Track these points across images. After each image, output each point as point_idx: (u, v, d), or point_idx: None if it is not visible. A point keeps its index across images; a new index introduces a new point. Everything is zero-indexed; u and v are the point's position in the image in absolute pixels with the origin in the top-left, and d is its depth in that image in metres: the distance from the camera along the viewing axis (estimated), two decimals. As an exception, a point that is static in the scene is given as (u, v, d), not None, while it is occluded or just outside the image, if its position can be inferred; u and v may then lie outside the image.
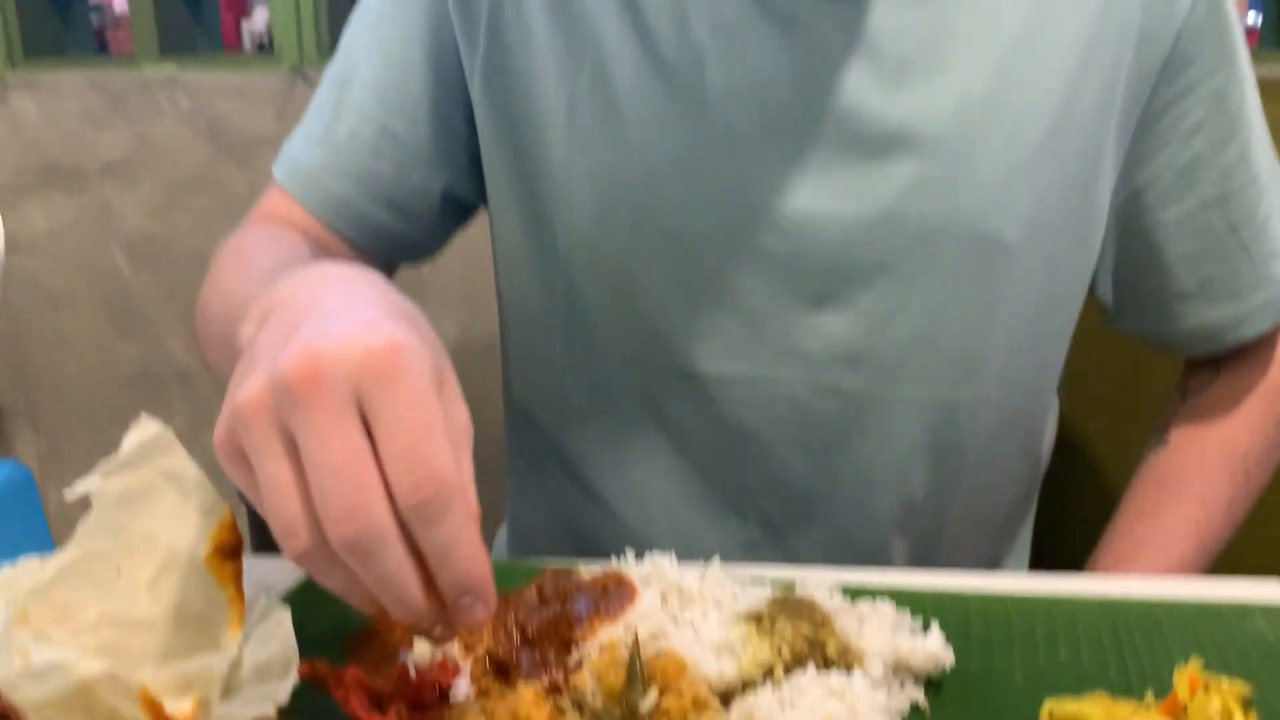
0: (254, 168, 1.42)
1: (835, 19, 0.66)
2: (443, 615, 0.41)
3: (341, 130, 0.74)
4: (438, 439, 0.39)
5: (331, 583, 0.41)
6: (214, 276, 0.71)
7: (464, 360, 1.44)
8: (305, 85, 1.37)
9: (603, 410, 0.77)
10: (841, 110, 0.66)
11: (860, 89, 0.66)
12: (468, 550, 0.39)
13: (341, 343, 0.39)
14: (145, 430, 0.52)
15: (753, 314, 0.70)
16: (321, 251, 0.71)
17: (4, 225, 1.48)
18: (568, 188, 0.72)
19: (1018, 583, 0.61)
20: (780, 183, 0.68)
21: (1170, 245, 0.73)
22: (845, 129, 0.66)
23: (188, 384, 1.53)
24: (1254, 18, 1.52)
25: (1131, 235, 0.74)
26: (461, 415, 0.42)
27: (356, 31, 0.77)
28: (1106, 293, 0.77)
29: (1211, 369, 0.80)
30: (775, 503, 0.74)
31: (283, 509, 0.40)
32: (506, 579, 0.50)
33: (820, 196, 0.68)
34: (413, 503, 0.38)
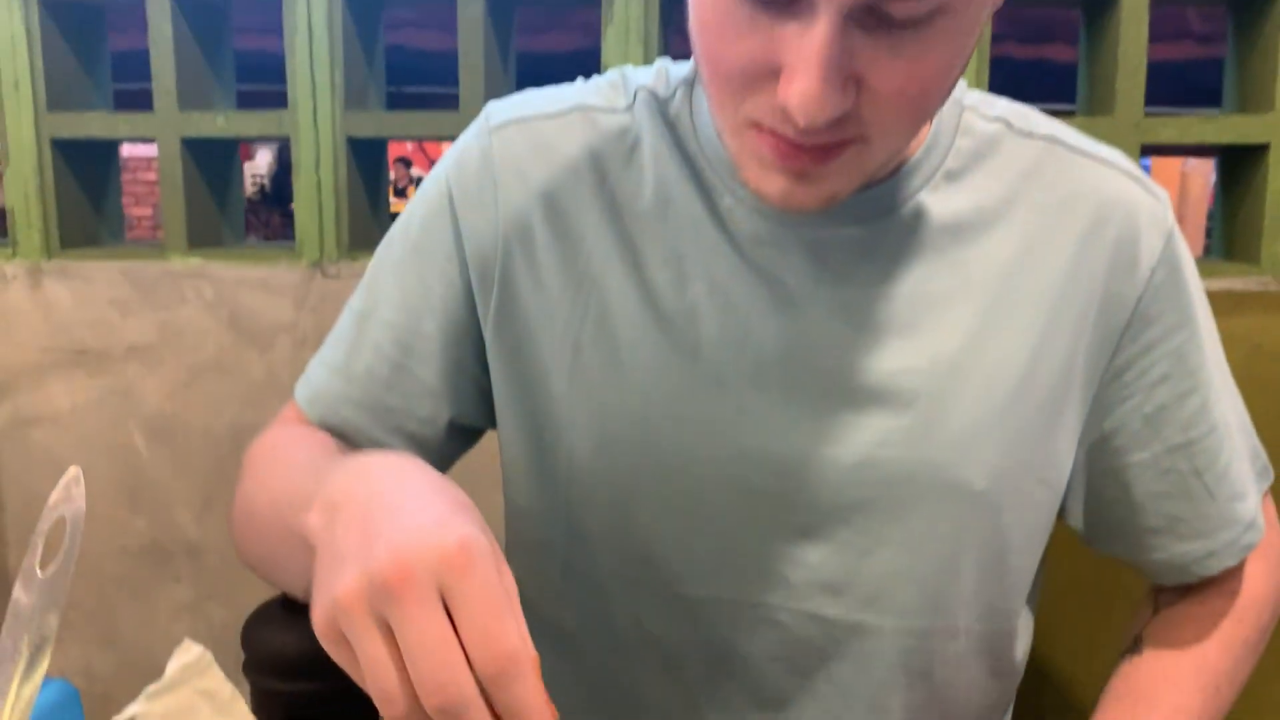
0: (271, 353, 1.50)
1: (823, 294, 0.74)
2: None
3: (359, 365, 0.81)
4: (506, 618, 0.48)
5: None
6: (253, 475, 0.78)
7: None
8: (323, 279, 1.47)
9: (595, 626, 0.82)
10: (824, 366, 0.74)
11: (842, 349, 0.74)
12: (536, 708, 0.48)
13: (422, 544, 0.49)
14: (188, 654, 0.59)
15: (740, 544, 0.77)
16: (330, 446, 0.79)
17: (28, 403, 1.56)
18: (570, 422, 0.79)
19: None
20: (766, 426, 0.75)
21: (1139, 485, 0.79)
22: (827, 382, 0.74)
23: (195, 556, 1.58)
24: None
25: (1103, 475, 0.80)
26: (510, 581, 0.51)
27: (378, 271, 0.84)
28: (1078, 521, 0.83)
29: (1182, 586, 0.85)
30: (757, 716, 0.79)
31: (383, 682, 0.48)
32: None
33: (803, 441, 0.75)
34: (490, 673, 0.47)
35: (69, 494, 0.57)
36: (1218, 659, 0.82)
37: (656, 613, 0.80)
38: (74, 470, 0.58)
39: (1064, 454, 0.78)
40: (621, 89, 0.81)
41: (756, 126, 0.63)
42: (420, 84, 2.82)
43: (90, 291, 1.51)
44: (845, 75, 0.58)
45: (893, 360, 0.73)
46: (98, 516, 1.57)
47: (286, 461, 0.74)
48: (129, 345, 1.52)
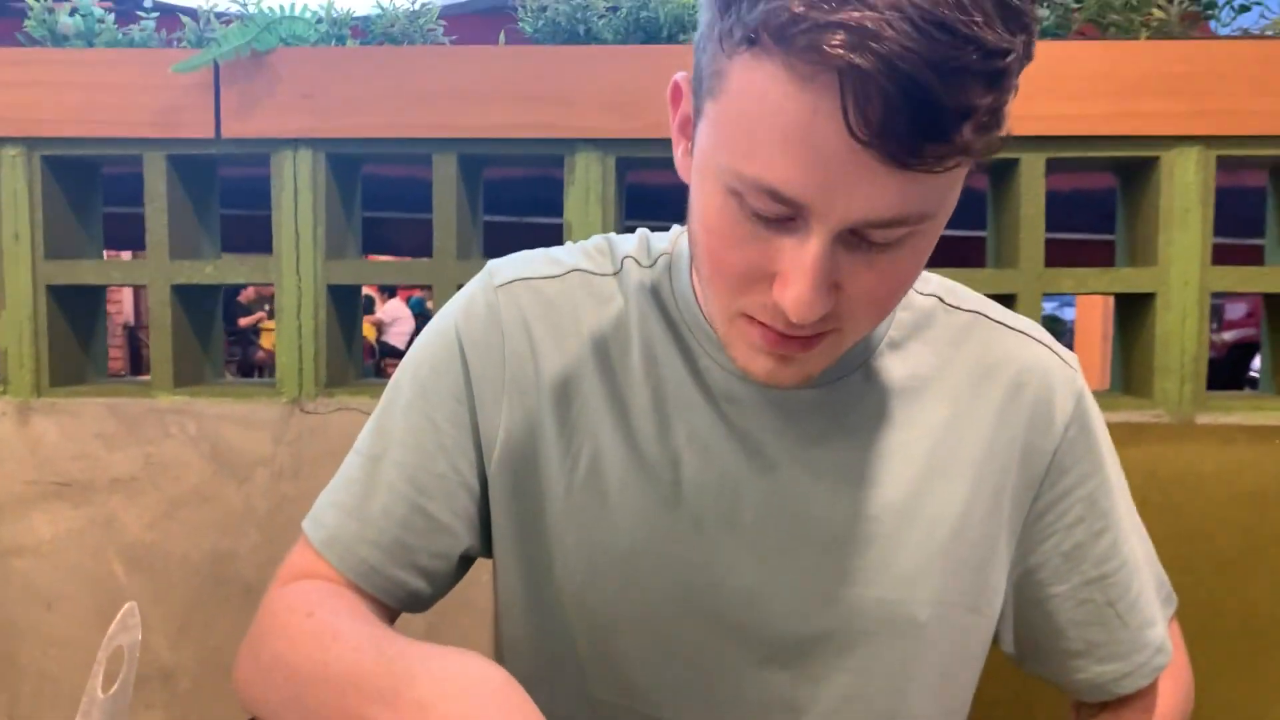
0: (249, 484, 1.59)
1: (788, 448, 0.85)
2: None
3: (375, 506, 0.86)
4: None
5: None
6: (286, 636, 0.82)
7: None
8: (301, 414, 1.57)
9: None
10: (790, 512, 0.84)
11: (806, 498, 0.84)
12: None
13: None
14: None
15: (712, 672, 0.86)
16: (365, 615, 0.85)
17: (10, 533, 1.62)
18: (563, 558, 0.87)
19: None
20: (739, 567, 0.85)
21: (1061, 614, 0.89)
22: (794, 527, 0.84)
23: (168, 682, 1.63)
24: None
25: (1029, 605, 0.90)
26: None
27: (388, 415, 0.89)
28: (1009, 646, 0.93)
29: (1101, 703, 0.95)
30: None
31: None
32: None
33: (772, 580, 0.85)
34: None
35: (125, 624, 0.67)
36: None
37: None
38: (130, 604, 0.68)
39: (996, 588, 0.89)
40: (609, 255, 0.91)
41: (748, 318, 0.73)
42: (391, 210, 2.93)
43: (77, 426, 1.60)
44: (830, 283, 0.68)
45: (850, 508, 0.84)
46: (74, 643, 1.63)
47: (334, 633, 0.78)
48: (112, 477, 1.60)
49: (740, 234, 0.70)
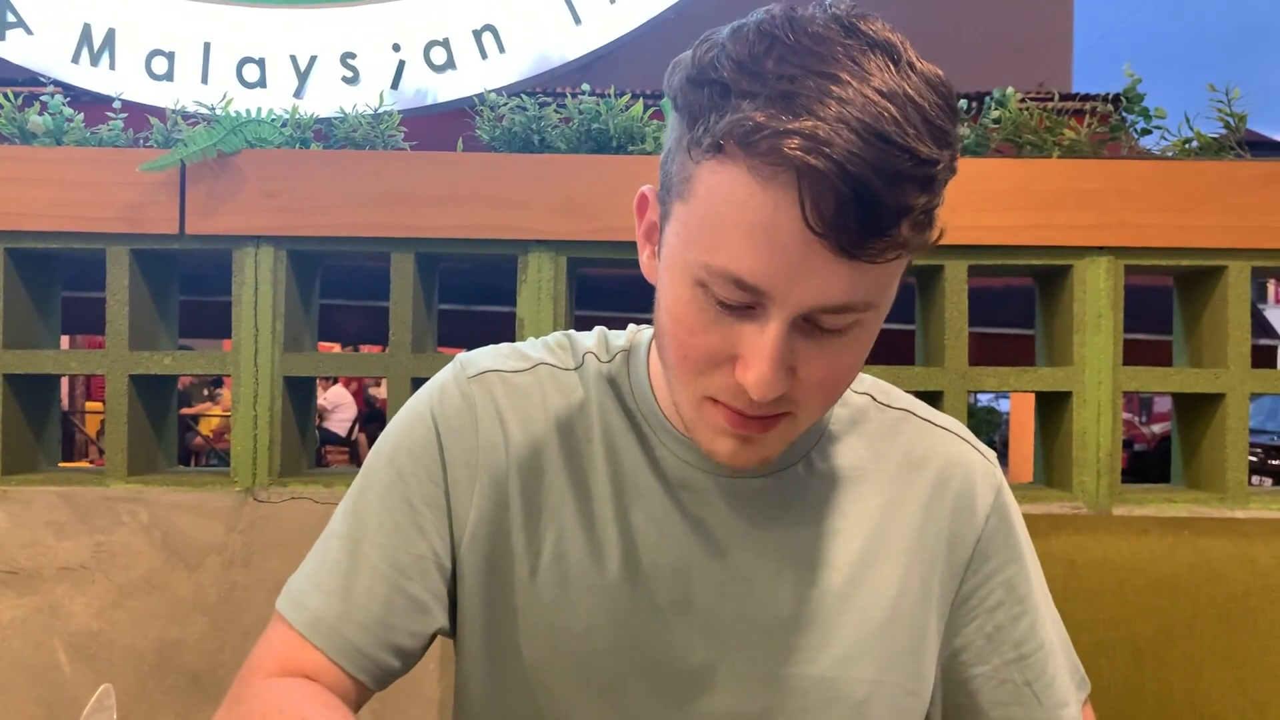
0: (199, 572, 1.61)
1: (737, 533, 0.91)
2: None
3: (358, 587, 0.89)
4: None
5: None
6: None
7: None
8: (255, 503, 1.60)
9: None
10: (738, 594, 0.90)
11: (753, 580, 0.89)
12: None
13: None
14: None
15: (689, 700, 0.91)
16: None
17: (-46, 621, 1.61)
18: (525, 636, 0.91)
19: None
20: (692, 646, 0.90)
21: (982, 694, 0.95)
22: (740, 607, 0.89)
23: (109, 773, 1.62)
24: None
25: (954, 686, 0.96)
26: None
27: (364, 498, 0.93)
28: None
29: None
30: None
31: None
32: None
33: (720, 656, 0.90)
34: None
35: (102, 704, 0.70)
36: None
37: None
38: (105, 686, 0.71)
39: (928, 670, 0.94)
40: (570, 351, 0.97)
41: (712, 401, 0.80)
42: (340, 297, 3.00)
43: (27, 514, 1.61)
44: (787, 366, 0.76)
45: (793, 590, 0.90)
46: (14, 735, 1.61)
47: None
48: (61, 565, 1.61)
49: (705, 321, 0.77)
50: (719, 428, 0.81)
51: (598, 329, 1.00)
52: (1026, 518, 1.42)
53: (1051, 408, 1.66)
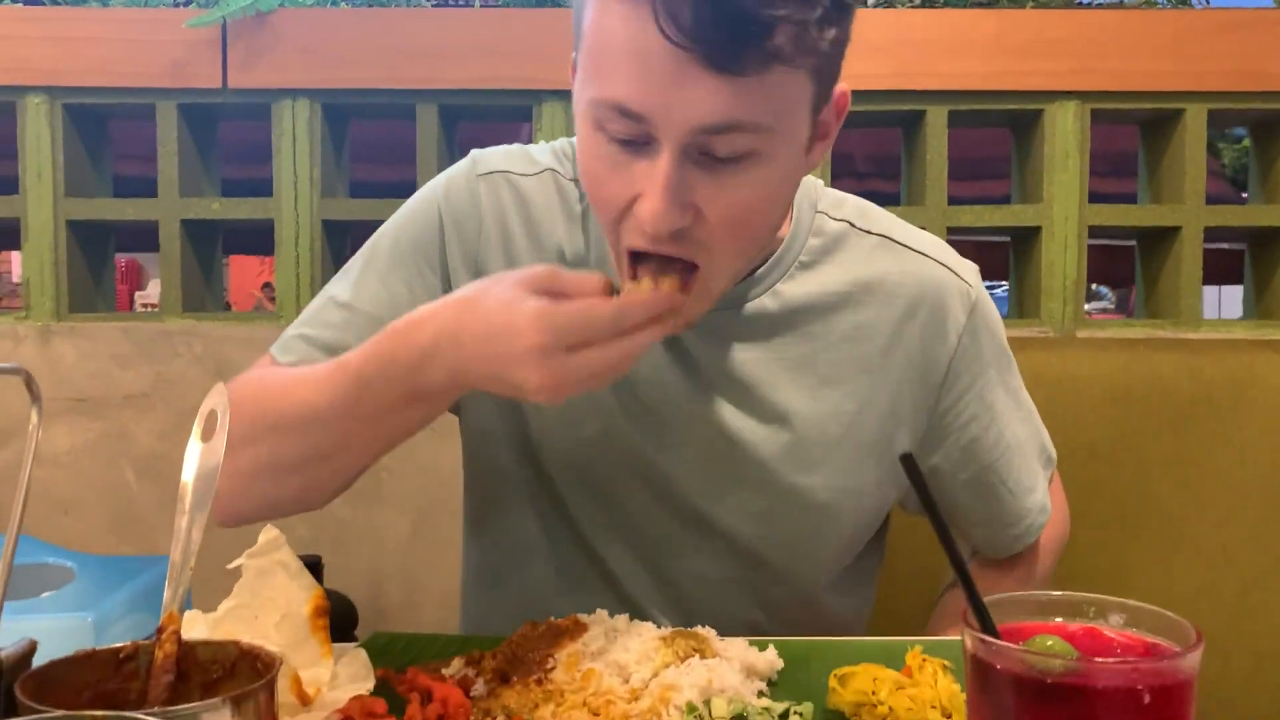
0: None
1: (715, 356, 1.00)
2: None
3: (344, 347, 0.92)
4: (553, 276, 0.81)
5: (637, 344, 0.79)
6: (271, 394, 0.93)
7: (417, 553, 1.82)
8: (299, 335, 1.76)
9: (560, 567, 1.06)
10: (712, 410, 1.00)
11: (725, 399, 1.00)
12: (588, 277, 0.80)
13: (503, 301, 0.79)
14: (269, 533, 0.89)
15: (658, 542, 1.04)
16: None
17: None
18: (535, 444, 1.02)
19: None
20: (669, 452, 1.01)
21: (961, 496, 1.07)
22: (714, 422, 1.00)
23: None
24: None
25: (938, 491, 1.02)
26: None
27: (365, 269, 1.01)
28: (907, 505, 1.11)
29: None
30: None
31: (601, 368, 0.79)
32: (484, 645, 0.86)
33: (698, 465, 1.02)
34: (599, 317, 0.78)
35: (217, 392, 0.87)
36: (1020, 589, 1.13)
37: (605, 544, 1.05)
38: (219, 384, 0.88)
39: (891, 476, 1.04)
40: (570, 160, 1.03)
41: (628, 252, 0.85)
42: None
43: (93, 348, 1.78)
44: (684, 201, 0.80)
45: (759, 408, 1.00)
46: (91, 546, 1.80)
47: (299, 377, 0.91)
48: (125, 394, 1.78)
49: (608, 165, 0.82)
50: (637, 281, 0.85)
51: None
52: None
53: (1023, 244, 1.81)
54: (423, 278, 1.00)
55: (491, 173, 1.01)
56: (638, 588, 1.06)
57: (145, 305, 9.91)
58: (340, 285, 1.02)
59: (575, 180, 1.01)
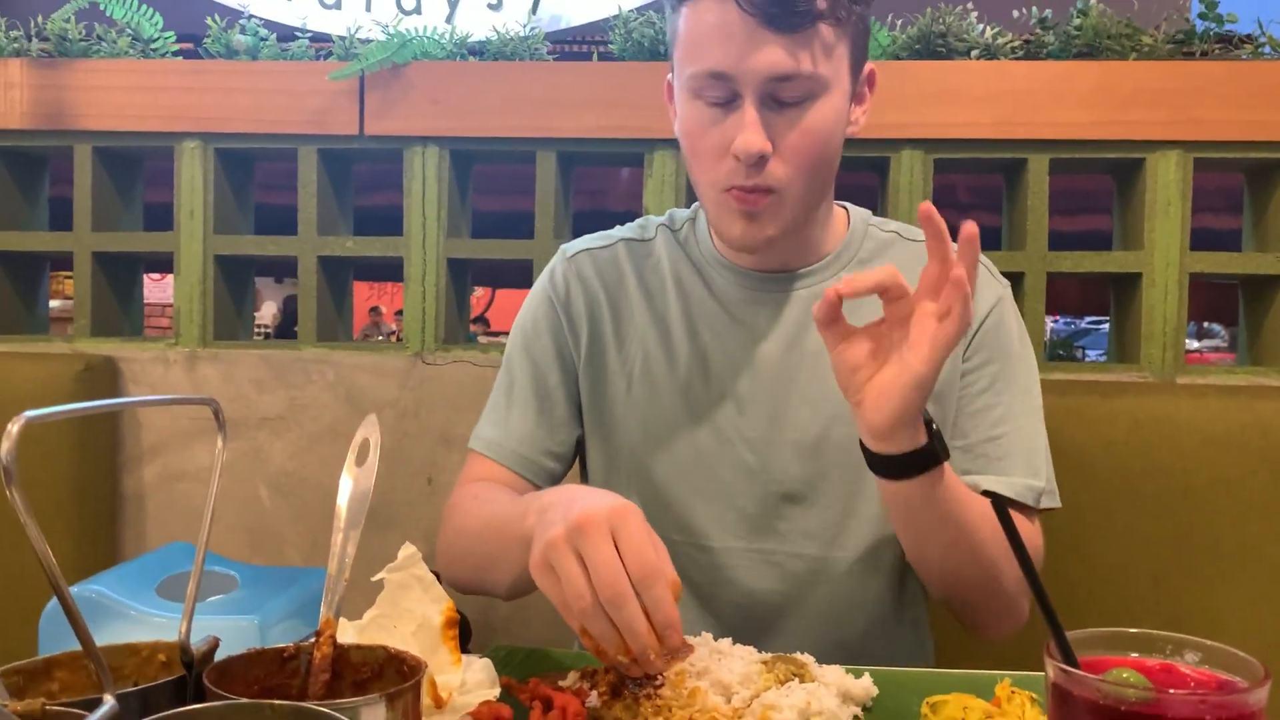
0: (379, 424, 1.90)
1: (785, 334, 1.16)
2: (652, 644, 0.83)
3: (515, 415, 1.25)
4: (650, 545, 0.84)
5: (597, 627, 0.84)
6: (461, 515, 1.17)
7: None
8: (423, 365, 1.88)
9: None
10: (785, 379, 1.16)
11: (797, 367, 1.16)
12: (666, 603, 0.82)
13: (600, 505, 0.85)
14: (406, 550, 0.98)
15: (739, 503, 1.17)
16: (514, 493, 1.16)
17: (176, 461, 1.94)
18: (627, 429, 1.22)
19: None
20: (756, 419, 1.17)
21: (956, 463, 1.14)
22: (791, 391, 1.16)
23: (302, 590, 1.94)
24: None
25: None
26: (655, 534, 0.86)
27: (511, 359, 1.28)
28: None
29: None
30: (753, 630, 1.16)
31: (577, 586, 0.83)
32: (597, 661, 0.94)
33: (774, 430, 1.16)
34: (639, 578, 0.82)
35: (369, 424, 0.97)
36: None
37: (691, 563, 1.19)
38: (370, 415, 0.98)
39: (950, 428, 1.17)
40: (645, 228, 1.30)
41: (726, 190, 1.08)
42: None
43: (235, 373, 1.92)
44: (764, 135, 1.04)
45: (830, 371, 1.13)
46: (226, 553, 1.93)
47: (492, 499, 1.15)
48: (262, 416, 1.92)
49: (705, 124, 1.07)
50: (730, 209, 1.09)
51: (669, 211, 1.33)
52: (1095, 384, 1.63)
53: (1124, 288, 1.83)
54: (550, 345, 1.27)
55: (577, 254, 1.30)
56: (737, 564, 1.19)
57: (259, 326, 10.40)
58: (498, 378, 1.30)
59: (650, 240, 1.28)
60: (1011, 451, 1.17)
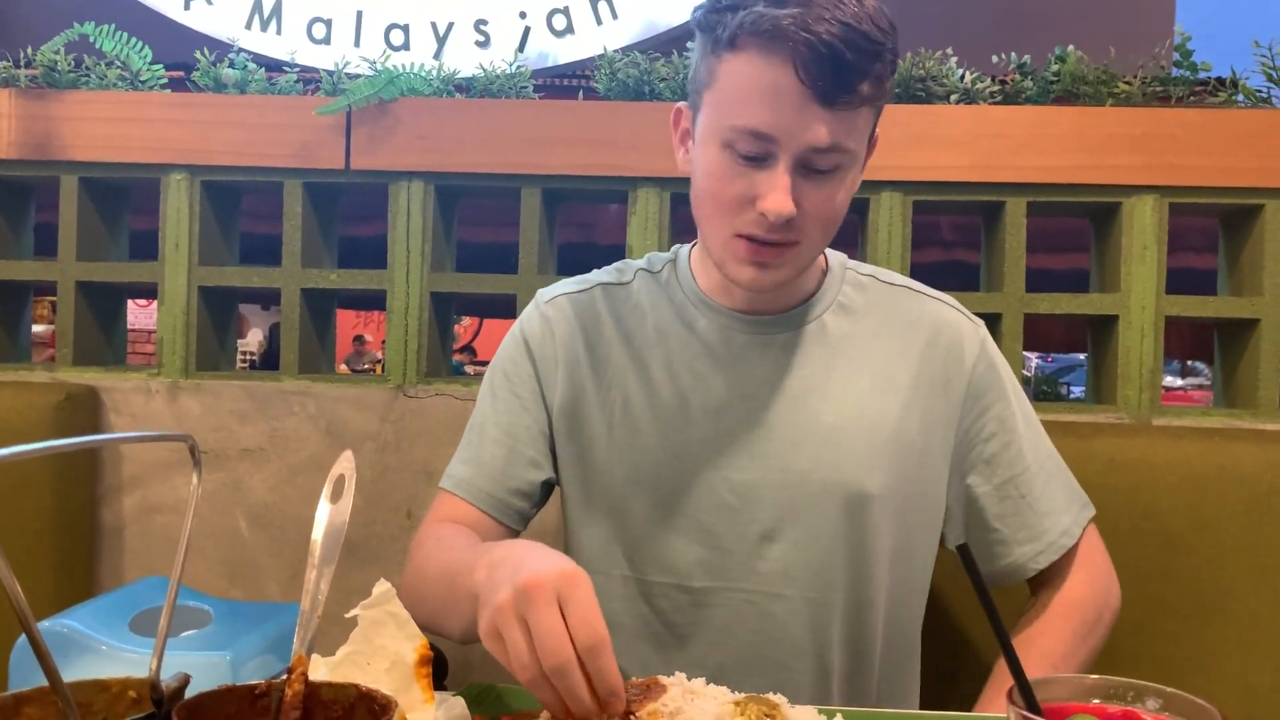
0: (358, 456, 1.88)
1: (768, 377, 1.18)
2: (595, 710, 0.83)
3: (485, 454, 1.25)
4: (597, 615, 0.83)
5: (542, 695, 0.84)
6: (424, 555, 1.17)
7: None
8: (404, 398, 1.88)
9: (629, 621, 1.21)
10: (771, 422, 1.17)
11: (781, 411, 1.17)
12: (610, 672, 0.82)
13: (548, 569, 0.85)
14: (381, 586, 0.98)
15: (722, 545, 1.17)
16: (480, 536, 1.16)
17: (155, 493, 1.94)
18: (609, 474, 1.21)
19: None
20: (737, 462, 1.17)
21: (989, 509, 1.21)
22: (774, 432, 1.17)
23: (279, 623, 1.92)
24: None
25: (967, 506, 1.22)
26: (597, 604, 0.85)
27: (484, 400, 1.29)
28: (952, 544, 1.24)
29: (1033, 596, 1.24)
30: (731, 660, 1.17)
31: (521, 655, 0.83)
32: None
33: (758, 472, 1.17)
34: (585, 647, 0.82)
35: (345, 460, 0.97)
36: (1052, 646, 1.20)
37: (672, 605, 1.19)
38: (347, 451, 0.98)
39: (933, 485, 1.20)
40: (623, 271, 1.31)
41: (738, 236, 1.09)
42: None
43: (216, 404, 1.92)
44: (792, 198, 1.05)
45: (812, 418, 1.17)
46: (204, 585, 1.93)
47: (450, 545, 1.14)
48: (242, 447, 1.92)
49: (731, 174, 1.08)
50: (742, 258, 1.10)
51: (648, 255, 1.33)
52: (1073, 425, 1.64)
53: (1101, 329, 1.85)
54: (522, 384, 1.27)
55: (554, 298, 1.30)
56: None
57: (244, 353, 10.38)
58: (472, 418, 1.31)
59: (628, 283, 1.29)
60: (1042, 483, 1.21)
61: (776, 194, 1.04)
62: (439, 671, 1.68)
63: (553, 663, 0.81)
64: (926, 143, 1.76)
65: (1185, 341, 2.50)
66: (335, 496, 0.96)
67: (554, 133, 1.84)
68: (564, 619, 0.82)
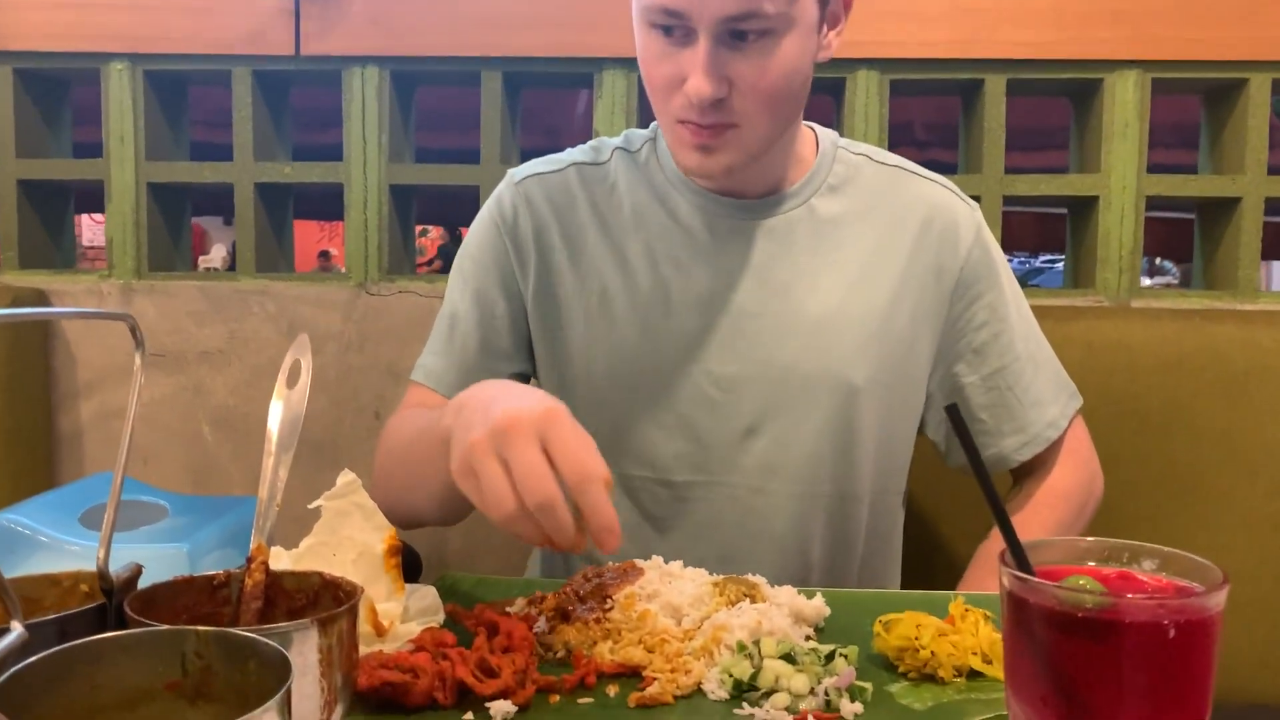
0: (321, 356, 1.85)
1: (752, 264, 1.13)
2: (581, 542, 0.81)
3: (456, 345, 1.19)
4: (586, 447, 0.80)
5: (522, 529, 0.81)
6: (391, 435, 1.13)
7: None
8: (366, 296, 1.82)
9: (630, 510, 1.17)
10: (753, 311, 1.13)
11: (766, 299, 1.12)
12: (604, 506, 0.79)
13: (527, 406, 0.81)
14: (345, 476, 0.94)
15: (704, 439, 1.14)
16: None
17: (113, 398, 1.88)
18: (586, 362, 1.17)
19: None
20: (717, 353, 1.13)
21: (974, 399, 1.18)
22: (757, 321, 1.13)
23: (247, 527, 1.89)
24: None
25: (951, 394, 1.18)
26: (589, 436, 0.81)
27: (455, 287, 1.22)
28: (937, 435, 1.21)
29: (1017, 485, 1.22)
30: (712, 554, 1.14)
31: (498, 491, 0.79)
32: (546, 587, 0.92)
33: (741, 363, 1.13)
34: (573, 482, 0.79)
35: (301, 345, 0.92)
36: (1038, 535, 1.18)
37: (652, 498, 1.16)
38: (302, 335, 0.93)
39: (917, 376, 1.16)
40: (600, 149, 1.24)
41: (680, 121, 1.04)
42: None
43: (172, 305, 1.85)
44: (720, 75, 0.99)
45: (798, 308, 1.12)
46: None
47: (417, 415, 1.10)
48: (201, 350, 1.86)
49: (658, 53, 1.03)
50: (684, 141, 1.06)
51: (625, 131, 1.27)
52: (1051, 309, 1.61)
53: (1080, 214, 1.82)
54: (496, 273, 1.21)
55: (525, 179, 1.23)
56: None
57: (208, 268, 10.21)
58: (442, 307, 1.24)
59: (605, 164, 1.22)
60: (1030, 374, 1.17)
61: (696, 74, 0.99)
62: (412, 568, 1.66)
63: (536, 500, 0.78)
64: (904, 17, 1.69)
65: (1155, 238, 2.47)
66: (291, 383, 0.91)
67: (514, 13, 1.76)
68: (547, 455, 0.79)
